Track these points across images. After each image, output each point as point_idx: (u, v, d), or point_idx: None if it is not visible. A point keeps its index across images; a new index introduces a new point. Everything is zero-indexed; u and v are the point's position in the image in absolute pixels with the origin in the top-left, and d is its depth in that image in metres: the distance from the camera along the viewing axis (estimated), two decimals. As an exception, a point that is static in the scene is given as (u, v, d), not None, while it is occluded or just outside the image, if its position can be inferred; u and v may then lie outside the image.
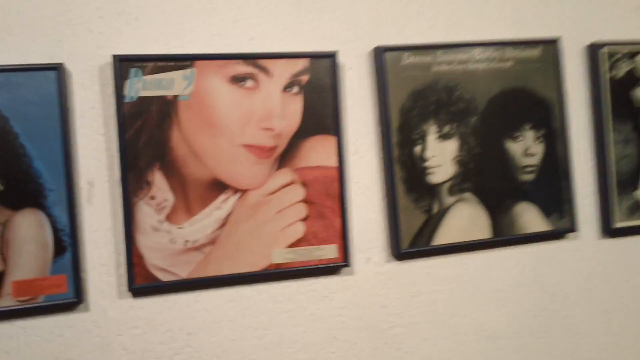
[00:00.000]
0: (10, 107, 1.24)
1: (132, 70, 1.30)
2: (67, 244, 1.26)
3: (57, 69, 1.26)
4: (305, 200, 1.40)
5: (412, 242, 1.47)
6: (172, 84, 1.33)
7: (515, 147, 1.55)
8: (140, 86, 1.30)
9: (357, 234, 1.47)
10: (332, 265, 1.42)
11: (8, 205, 1.24)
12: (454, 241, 1.50)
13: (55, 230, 1.26)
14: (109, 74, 1.31)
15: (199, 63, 1.34)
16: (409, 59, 1.48)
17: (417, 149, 1.48)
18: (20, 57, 1.27)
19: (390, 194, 1.46)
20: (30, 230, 1.25)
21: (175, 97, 1.32)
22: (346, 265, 1.43)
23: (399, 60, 1.48)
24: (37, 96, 1.26)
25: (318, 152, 1.41)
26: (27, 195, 1.25)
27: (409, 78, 1.48)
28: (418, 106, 1.48)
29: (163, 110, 1.32)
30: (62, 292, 1.27)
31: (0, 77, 1.24)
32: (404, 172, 1.46)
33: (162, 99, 1.31)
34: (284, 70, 1.39)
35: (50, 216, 1.25)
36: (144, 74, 1.31)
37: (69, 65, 1.30)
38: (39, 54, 1.28)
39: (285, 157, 1.39)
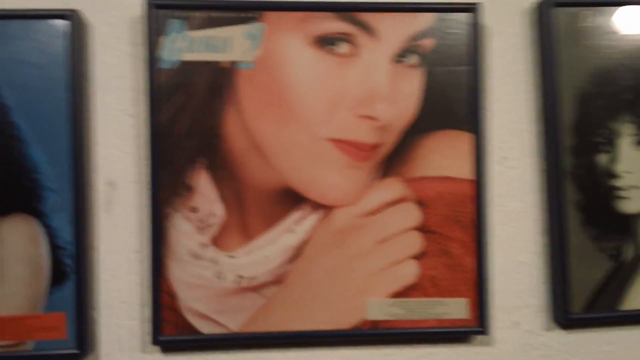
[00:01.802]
0: (1, 69, 0.89)
1: (173, 23, 0.90)
2: (69, 269, 0.87)
3: (69, 18, 0.89)
4: (422, 228, 0.92)
5: (588, 303, 0.94)
6: (230, 44, 0.91)
7: None
8: (184, 46, 0.90)
9: (501, 285, 0.96)
10: (459, 329, 0.93)
11: (-12, 208, 0.89)
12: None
13: (55, 248, 0.87)
14: (142, 28, 0.93)
15: (269, 15, 0.91)
16: (591, 19, 0.98)
17: (602, 159, 0.95)
18: (24, 0, 0.91)
19: (555, 226, 0.94)
20: (17, 246, 0.87)
21: (234, 63, 0.90)
22: (482, 332, 0.93)
23: (575, 20, 0.97)
24: (39, 56, 0.89)
25: (444, 156, 0.93)
26: (17, 196, 0.87)
27: (591, 49, 0.97)
28: (605, 93, 0.96)
29: (215, 82, 0.90)
30: (59, 338, 0.88)
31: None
32: (579, 194, 0.95)
33: (214, 66, 0.90)
34: (396, 30, 0.93)
35: (47, 227, 0.87)
36: (190, 28, 0.90)
37: (89, 14, 0.93)
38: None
39: (394, 160, 0.93)
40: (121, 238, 0.92)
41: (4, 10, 0.90)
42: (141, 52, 0.92)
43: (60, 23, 0.89)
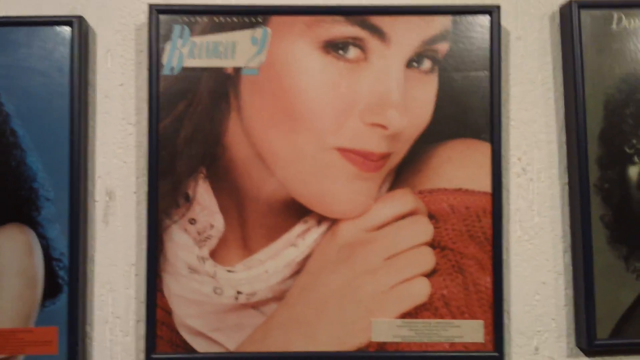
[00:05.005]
0: (3, 76, 0.86)
1: (176, 28, 0.87)
2: (63, 282, 0.84)
3: (73, 24, 0.86)
4: (434, 244, 0.86)
5: (615, 328, 0.86)
6: (234, 50, 0.87)
7: None
8: (187, 52, 0.86)
9: (520, 307, 0.89)
10: (473, 354, 0.86)
11: (-17, 216, 0.86)
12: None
13: (49, 260, 0.84)
14: (145, 34, 0.90)
15: (275, 20, 0.87)
16: (623, 22, 0.90)
17: (632, 171, 0.88)
18: (28, 7, 0.90)
19: (580, 244, 0.87)
20: (12, 256, 0.84)
21: (238, 70, 0.86)
22: (498, 357, 0.85)
23: (606, 23, 0.90)
24: (43, 63, 0.87)
25: (459, 166, 0.87)
26: (13, 204, 0.84)
27: (621, 54, 0.89)
28: (635, 100, 0.89)
29: (218, 89, 0.86)
30: (50, 354, 0.84)
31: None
32: (606, 209, 0.87)
33: (217, 72, 0.86)
34: (409, 35, 0.87)
35: (43, 238, 0.84)
36: (193, 33, 0.87)
37: (94, 21, 0.90)
38: (52, 3, 0.90)
39: (405, 171, 0.87)
40: (118, 250, 0.88)
41: (9, 17, 0.88)
42: (145, 59, 0.89)
43: (65, 30, 0.87)
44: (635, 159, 0.88)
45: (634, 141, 0.88)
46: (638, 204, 0.88)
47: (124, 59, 0.90)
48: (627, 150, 0.88)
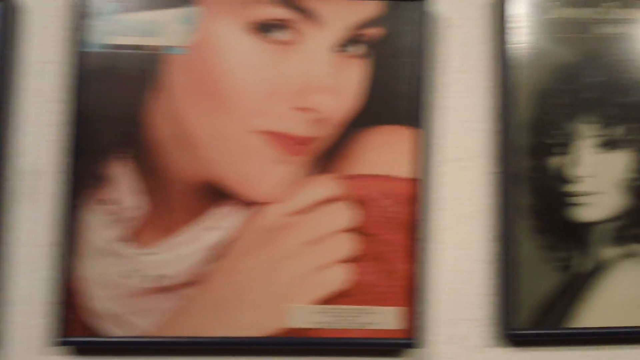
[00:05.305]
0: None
1: (106, 5, 0.84)
2: (-22, 262, 0.83)
3: (1, 1, 0.84)
4: (357, 230, 0.85)
5: (537, 318, 0.86)
6: (164, 29, 0.85)
7: None
8: (116, 29, 0.84)
9: (444, 295, 0.88)
10: (386, 341, 0.85)
11: None
12: (613, 324, 0.87)
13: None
14: (74, 10, 0.86)
15: (206, -2, 0.87)
16: (557, 11, 0.90)
17: (559, 161, 0.87)
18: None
19: (505, 232, 0.87)
20: None
21: (167, 48, 0.85)
22: (412, 345, 0.85)
23: (542, 12, 0.90)
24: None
25: (385, 153, 0.86)
26: None
27: (555, 43, 0.89)
28: (566, 91, 0.88)
29: (145, 67, 0.84)
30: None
31: None
32: (533, 199, 0.87)
33: (145, 50, 0.84)
34: (341, 18, 0.86)
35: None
36: (123, 11, 0.85)
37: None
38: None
39: (330, 156, 0.86)
40: (35, 231, 0.85)
41: None
42: (74, 36, 0.86)
43: (-7, 6, 0.85)
44: (560, 149, 0.88)
45: (560, 132, 0.88)
46: (562, 195, 0.87)
47: (51, 35, 0.88)
48: (556, 140, 0.88)
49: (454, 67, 0.92)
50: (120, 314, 0.83)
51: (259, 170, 0.85)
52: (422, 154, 0.86)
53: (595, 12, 0.91)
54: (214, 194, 0.84)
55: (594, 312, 0.86)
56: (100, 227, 0.83)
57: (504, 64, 0.88)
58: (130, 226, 0.83)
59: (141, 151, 0.84)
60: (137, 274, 0.83)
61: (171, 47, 0.85)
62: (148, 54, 0.85)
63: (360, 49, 0.87)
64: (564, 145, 0.87)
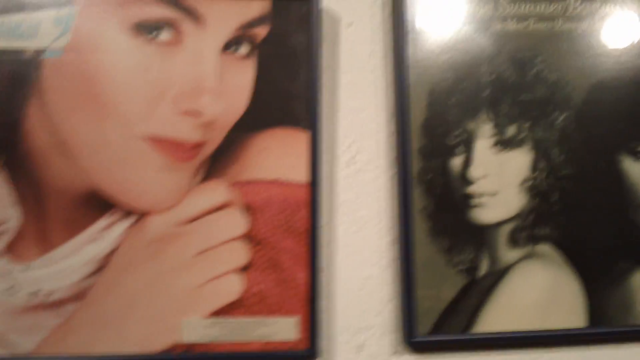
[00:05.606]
0: None
1: (-30, 5, 0.81)
2: None
3: None
4: (249, 238, 0.81)
5: (437, 324, 0.83)
6: (36, 30, 0.81)
7: (638, 170, 0.91)
8: (-17, 32, 0.81)
9: (344, 303, 0.85)
10: (286, 353, 0.80)
11: None
12: (515, 329, 0.84)
13: None
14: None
15: (80, -3, 0.82)
16: (451, 9, 0.89)
17: (456, 162, 0.85)
18: None
19: (404, 237, 0.84)
20: None
21: (39, 52, 0.80)
22: (312, 355, 0.81)
23: (434, 10, 0.88)
24: None
25: (277, 157, 0.83)
26: None
27: (449, 41, 0.87)
28: (461, 90, 0.87)
29: (18, 72, 0.80)
30: None
31: None
32: (429, 201, 0.84)
33: (17, 54, 0.80)
34: (226, 17, 0.83)
35: None
36: (-7, 13, 0.81)
37: None
38: None
39: (220, 161, 0.82)
40: None
41: None
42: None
43: None
44: (457, 150, 0.85)
45: (457, 132, 0.86)
46: (460, 196, 0.85)
47: None
48: (450, 141, 0.86)
49: (348, 67, 0.90)
50: (1, 332, 0.78)
51: (143, 178, 0.80)
52: (317, 157, 0.83)
53: (493, 6, 0.90)
54: (97, 205, 0.80)
55: (496, 316, 0.84)
56: (-29, 242, 0.78)
57: (398, 64, 0.86)
58: (6, 239, 0.78)
59: (18, 160, 0.79)
60: (14, 290, 0.78)
61: (45, 50, 0.81)
62: (21, 58, 0.80)
63: (248, 49, 0.84)
64: (461, 146, 0.85)
